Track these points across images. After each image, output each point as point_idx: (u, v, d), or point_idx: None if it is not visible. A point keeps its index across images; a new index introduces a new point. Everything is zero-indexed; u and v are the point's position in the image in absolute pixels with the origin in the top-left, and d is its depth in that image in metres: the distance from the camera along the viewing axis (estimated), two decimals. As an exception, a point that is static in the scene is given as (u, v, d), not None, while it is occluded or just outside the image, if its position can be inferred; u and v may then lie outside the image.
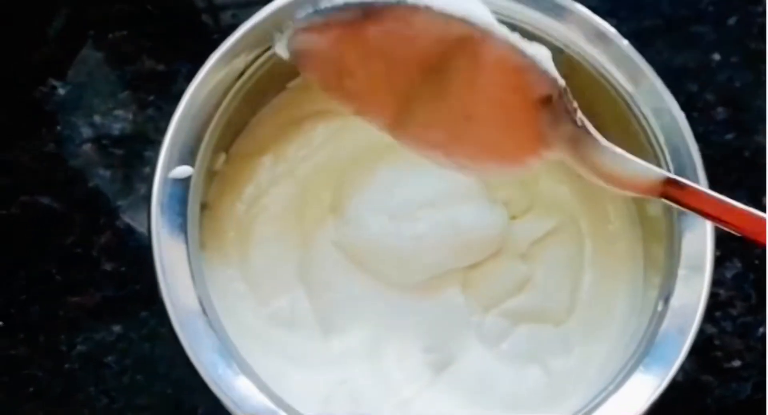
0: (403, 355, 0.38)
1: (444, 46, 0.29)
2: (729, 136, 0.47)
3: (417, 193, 0.38)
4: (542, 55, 0.29)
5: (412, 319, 0.38)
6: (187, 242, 0.33)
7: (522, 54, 0.29)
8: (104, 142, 0.46)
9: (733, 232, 0.29)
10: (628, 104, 0.37)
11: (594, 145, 0.29)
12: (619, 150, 0.29)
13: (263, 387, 0.32)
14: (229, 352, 0.32)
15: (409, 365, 0.38)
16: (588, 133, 0.29)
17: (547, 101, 0.29)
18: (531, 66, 0.29)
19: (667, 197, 0.29)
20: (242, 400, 0.32)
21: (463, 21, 0.29)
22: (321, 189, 0.40)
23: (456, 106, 0.30)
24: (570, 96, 0.29)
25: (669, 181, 0.29)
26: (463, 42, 0.29)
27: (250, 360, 0.33)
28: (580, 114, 0.29)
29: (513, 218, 0.41)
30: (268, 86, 0.39)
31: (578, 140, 0.29)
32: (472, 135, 0.31)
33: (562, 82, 0.29)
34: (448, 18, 0.28)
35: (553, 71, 0.29)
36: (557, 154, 0.30)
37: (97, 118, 0.46)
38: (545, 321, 0.40)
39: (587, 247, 0.41)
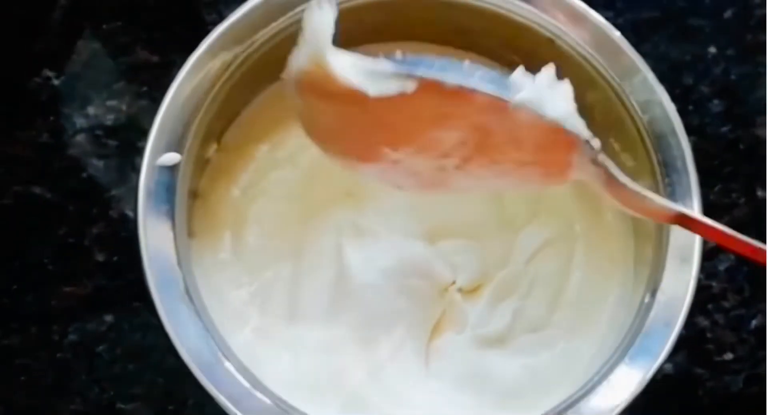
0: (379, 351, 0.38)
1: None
2: (724, 129, 0.47)
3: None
4: (563, 112, 0.31)
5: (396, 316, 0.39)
6: (174, 229, 0.33)
7: (547, 119, 0.31)
8: (98, 132, 0.46)
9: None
10: (618, 96, 0.36)
11: (615, 183, 0.32)
12: (637, 187, 0.32)
13: (245, 372, 0.32)
14: (213, 339, 0.32)
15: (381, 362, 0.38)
16: (609, 174, 0.32)
17: (574, 147, 0.32)
18: (556, 127, 0.31)
19: (679, 224, 0.32)
20: (226, 387, 0.32)
21: (499, 98, 0.30)
22: (328, 175, 0.40)
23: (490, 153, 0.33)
24: (591, 143, 0.31)
25: (681, 215, 0.32)
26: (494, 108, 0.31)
27: (235, 345, 0.33)
28: (602, 156, 0.32)
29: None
30: (261, 76, 0.39)
31: (600, 177, 0.32)
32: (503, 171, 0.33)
33: (585, 134, 0.31)
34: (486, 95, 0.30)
35: (576, 127, 0.31)
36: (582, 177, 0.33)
37: (91, 109, 0.46)
38: (534, 319, 0.40)
39: (579, 246, 0.41)
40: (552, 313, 0.39)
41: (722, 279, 0.45)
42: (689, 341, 0.44)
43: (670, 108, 0.36)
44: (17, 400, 0.42)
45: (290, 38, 0.37)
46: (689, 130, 0.37)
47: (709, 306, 0.45)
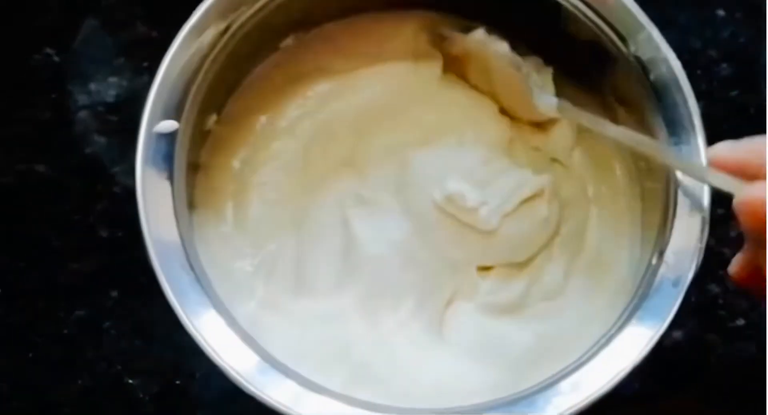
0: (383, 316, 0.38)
1: None
2: (733, 93, 0.47)
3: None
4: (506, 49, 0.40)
5: (401, 280, 0.38)
6: (173, 199, 0.32)
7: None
8: (100, 109, 0.46)
9: None
10: (623, 54, 0.36)
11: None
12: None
13: (252, 343, 0.32)
14: (218, 311, 0.32)
15: (390, 330, 0.38)
16: None
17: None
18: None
19: None
20: (233, 358, 0.32)
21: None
22: (327, 145, 0.40)
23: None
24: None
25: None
26: None
27: (240, 317, 0.33)
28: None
29: None
30: (258, 45, 0.39)
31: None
32: None
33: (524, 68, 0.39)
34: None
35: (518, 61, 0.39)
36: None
37: (92, 86, 0.46)
38: (550, 287, 0.39)
39: (593, 210, 0.41)
40: (568, 280, 0.39)
41: (734, 245, 0.44)
42: (701, 307, 0.44)
43: (676, 65, 0.35)
44: (25, 376, 0.43)
45: (283, 8, 0.37)
46: (698, 94, 0.36)
47: (721, 273, 0.44)
